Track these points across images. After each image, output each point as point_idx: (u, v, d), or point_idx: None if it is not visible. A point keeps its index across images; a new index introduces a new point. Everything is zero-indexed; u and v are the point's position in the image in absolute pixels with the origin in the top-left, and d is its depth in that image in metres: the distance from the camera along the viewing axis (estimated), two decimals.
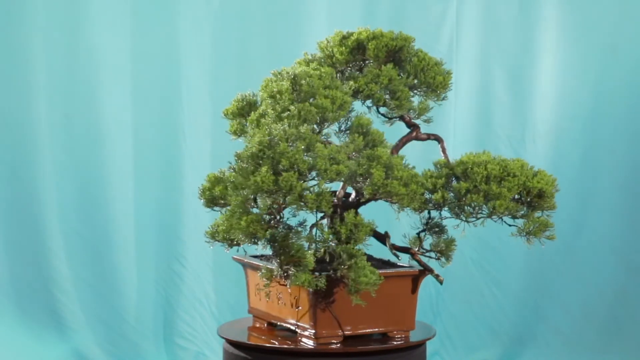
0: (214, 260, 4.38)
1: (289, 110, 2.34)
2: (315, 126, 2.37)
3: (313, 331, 2.42)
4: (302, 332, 2.47)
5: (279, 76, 2.46)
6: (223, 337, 2.59)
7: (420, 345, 2.59)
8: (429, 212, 2.54)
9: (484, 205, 2.45)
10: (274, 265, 2.33)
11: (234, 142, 2.66)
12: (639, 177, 4.40)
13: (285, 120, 2.31)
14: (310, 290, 2.34)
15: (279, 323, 2.59)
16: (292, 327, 2.52)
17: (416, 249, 2.53)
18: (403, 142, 2.65)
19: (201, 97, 4.36)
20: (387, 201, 2.41)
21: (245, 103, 2.58)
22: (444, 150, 2.62)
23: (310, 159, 2.27)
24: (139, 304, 4.33)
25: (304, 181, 2.26)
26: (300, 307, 2.46)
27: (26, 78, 4.19)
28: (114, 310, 4.29)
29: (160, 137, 4.35)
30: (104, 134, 4.26)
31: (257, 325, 2.68)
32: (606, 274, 4.44)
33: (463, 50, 4.51)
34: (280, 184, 2.23)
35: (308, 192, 2.26)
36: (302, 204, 2.25)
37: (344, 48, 2.57)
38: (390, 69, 2.53)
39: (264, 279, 2.31)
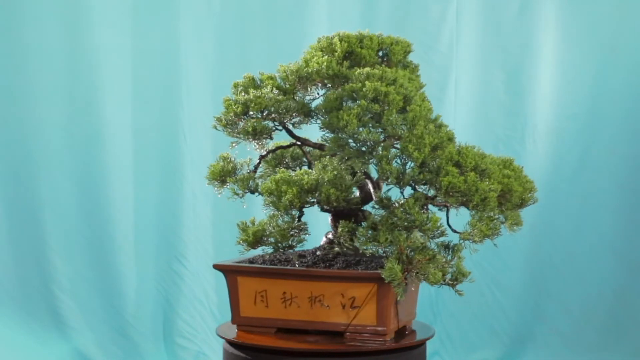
0: (214, 259, 4.38)
1: (406, 111, 2.41)
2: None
3: (381, 328, 2.45)
4: (359, 332, 2.47)
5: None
6: (222, 337, 2.59)
7: (420, 345, 2.59)
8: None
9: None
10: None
11: (235, 143, 2.64)
12: (638, 177, 4.40)
13: (422, 122, 2.38)
14: (379, 287, 2.41)
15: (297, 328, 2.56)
16: (336, 329, 2.50)
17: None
18: None
19: (202, 97, 4.37)
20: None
21: (270, 101, 2.55)
22: None
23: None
24: (139, 304, 4.33)
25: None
26: (358, 307, 2.46)
27: (27, 78, 4.19)
28: (114, 310, 4.30)
29: (160, 137, 4.35)
30: (104, 134, 4.26)
31: (258, 333, 2.59)
32: (606, 274, 4.44)
33: (463, 50, 4.51)
34: (469, 184, 2.30)
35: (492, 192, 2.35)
36: (482, 203, 2.35)
37: (370, 50, 2.59)
38: (408, 73, 2.61)
39: (392, 280, 2.29)
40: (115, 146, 4.28)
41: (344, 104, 2.47)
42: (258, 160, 2.69)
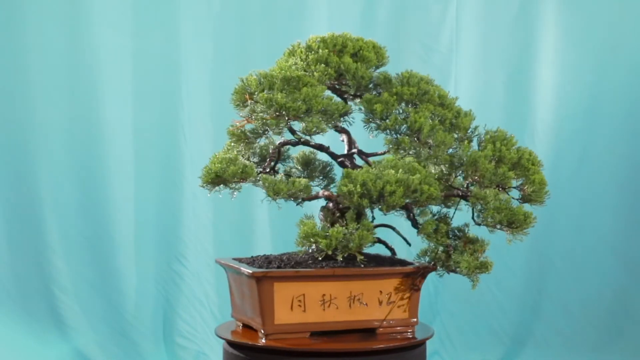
0: (214, 259, 4.37)
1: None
2: None
3: (413, 320, 2.59)
4: (392, 326, 2.56)
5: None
6: (221, 338, 2.59)
7: (420, 345, 2.60)
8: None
9: None
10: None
11: (236, 143, 2.62)
12: (638, 177, 4.40)
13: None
14: (413, 281, 2.53)
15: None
16: (371, 326, 2.55)
17: None
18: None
19: (201, 97, 4.36)
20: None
21: (326, 100, 2.54)
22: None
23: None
24: (139, 303, 4.33)
25: None
26: (393, 302, 2.53)
27: (26, 78, 4.19)
28: (114, 310, 4.29)
29: (160, 137, 4.35)
30: (104, 134, 4.26)
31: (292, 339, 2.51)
32: (606, 274, 4.44)
33: (463, 50, 4.51)
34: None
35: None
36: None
37: (371, 53, 2.65)
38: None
39: (468, 272, 2.46)
40: (116, 146, 4.28)
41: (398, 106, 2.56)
42: (269, 161, 2.65)
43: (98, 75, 4.23)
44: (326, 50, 2.59)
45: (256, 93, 2.50)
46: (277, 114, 2.46)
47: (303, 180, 2.49)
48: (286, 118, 2.47)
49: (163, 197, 4.37)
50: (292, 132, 2.65)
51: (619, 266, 4.43)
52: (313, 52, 2.61)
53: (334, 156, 2.68)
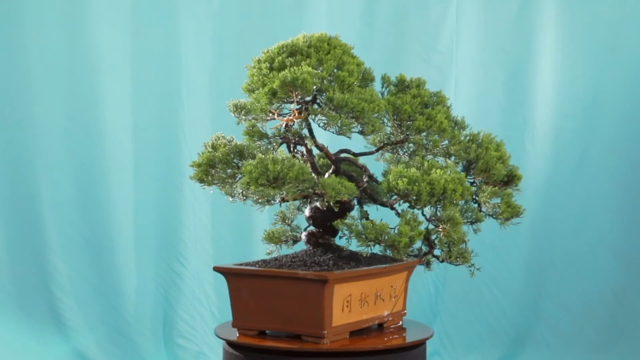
0: (214, 259, 4.38)
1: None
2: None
3: (404, 312, 2.72)
4: (396, 319, 2.67)
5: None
6: (221, 338, 2.58)
7: (420, 345, 2.60)
8: None
9: None
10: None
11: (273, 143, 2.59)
12: (638, 177, 4.40)
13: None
14: (408, 275, 2.67)
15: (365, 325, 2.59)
16: (382, 321, 2.63)
17: None
18: None
19: (201, 97, 4.37)
20: None
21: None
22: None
23: None
24: (139, 304, 4.33)
25: None
26: (397, 296, 2.62)
27: (26, 78, 4.19)
28: (114, 310, 4.30)
29: (160, 137, 4.35)
30: (104, 134, 4.27)
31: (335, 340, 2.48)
32: (606, 274, 4.44)
33: (463, 50, 4.51)
34: None
35: None
36: None
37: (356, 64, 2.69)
38: None
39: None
40: (115, 146, 4.28)
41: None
42: (306, 160, 2.61)
43: (97, 75, 4.23)
44: (340, 50, 2.57)
45: (325, 92, 2.47)
46: (351, 115, 2.45)
47: (348, 182, 2.49)
48: (354, 119, 2.47)
49: (163, 197, 4.37)
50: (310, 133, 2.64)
51: (619, 266, 4.42)
52: (322, 52, 2.55)
53: (330, 156, 2.68)
